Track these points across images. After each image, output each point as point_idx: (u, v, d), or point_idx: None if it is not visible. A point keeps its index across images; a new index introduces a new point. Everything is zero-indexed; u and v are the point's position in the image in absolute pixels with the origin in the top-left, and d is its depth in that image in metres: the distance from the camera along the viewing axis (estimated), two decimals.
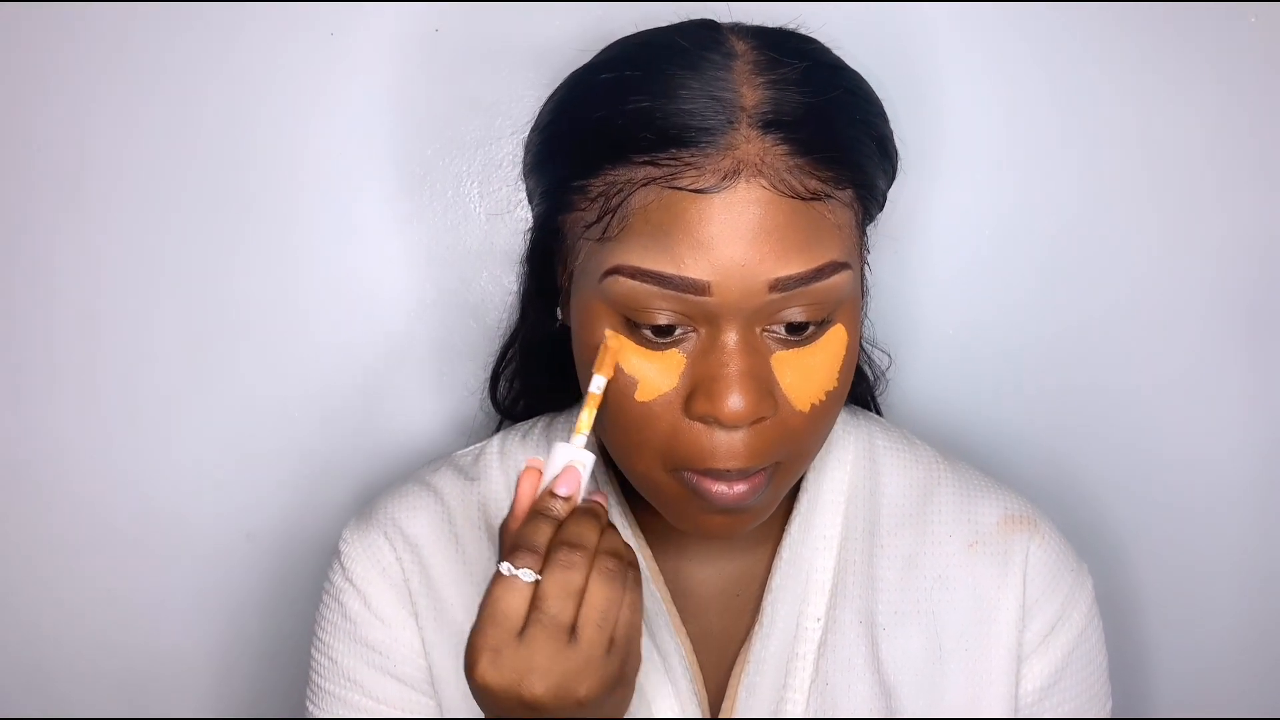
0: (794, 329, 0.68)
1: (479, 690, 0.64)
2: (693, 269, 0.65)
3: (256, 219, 0.97)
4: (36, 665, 1.02)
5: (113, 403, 0.99)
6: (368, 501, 0.84)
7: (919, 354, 0.99)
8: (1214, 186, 0.98)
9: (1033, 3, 0.95)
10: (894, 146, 0.73)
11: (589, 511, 0.68)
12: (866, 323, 0.89)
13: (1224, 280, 0.99)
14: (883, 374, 0.94)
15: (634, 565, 0.67)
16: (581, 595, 0.64)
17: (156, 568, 1.01)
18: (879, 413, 0.94)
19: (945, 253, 0.99)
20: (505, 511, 0.81)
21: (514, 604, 0.64)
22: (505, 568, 0.64)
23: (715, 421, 0.67)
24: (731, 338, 0.66)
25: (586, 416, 0.69)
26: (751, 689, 0.76)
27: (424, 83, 0.95)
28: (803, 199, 0.65)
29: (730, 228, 0.65)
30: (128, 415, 0.99)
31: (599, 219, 0.67)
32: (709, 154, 0.65)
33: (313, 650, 0.82)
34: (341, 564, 0.81)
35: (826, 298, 0.67)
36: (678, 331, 0.67)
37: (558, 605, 0.64)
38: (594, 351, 0.69)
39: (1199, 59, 0.96)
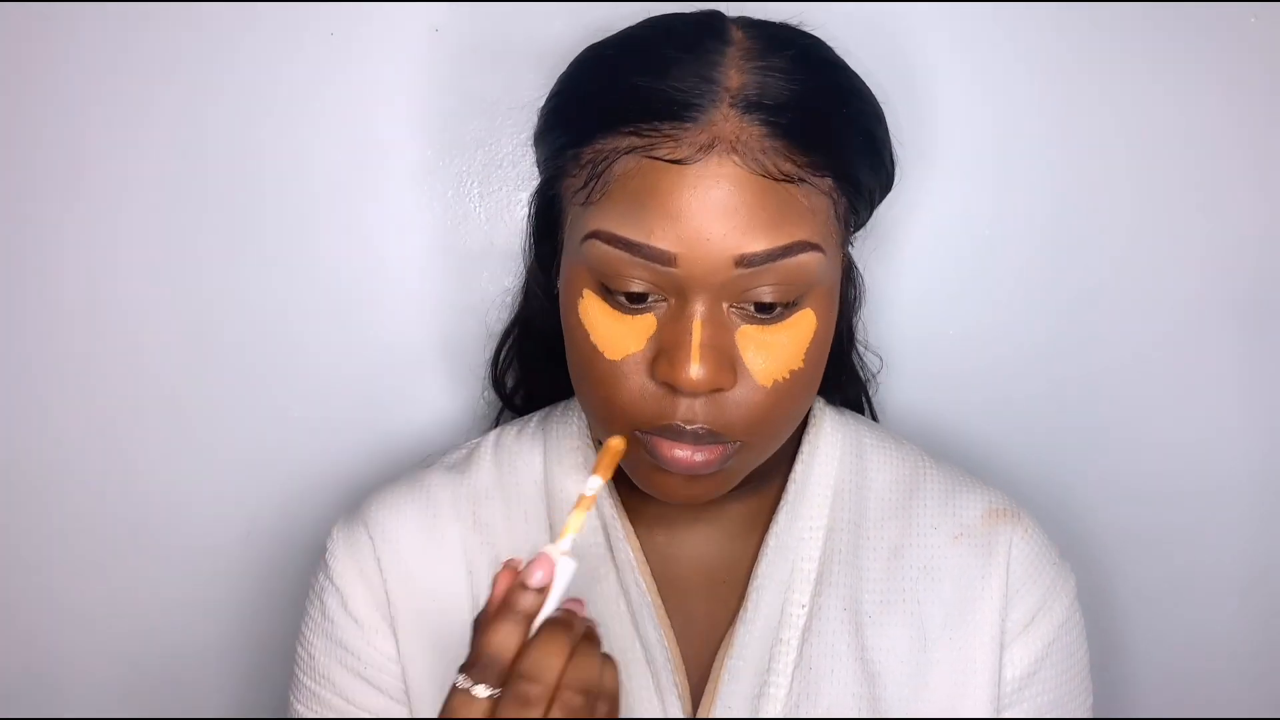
0: (762, 308, 0.69)
1: None
2: (661, 239, 0.67)
3: (256, 219, 0.97)
4: (34, 664, 1.02)
5: (114, 401, 0.99)
6: (358, 500, 0.85)
7: (908, 357, 0.99)
8: (1207, 189, 0.97)
9: (1028, 3, 0.95)
10: (888, 149, 0.75)
11: (562, 624, 0.64)
12: (860, 326, 0.90)
13: (1216, 281, 0.99)
14: (874, 376, 0.96)
15: (607, 695, 0.64)
16: None
17: (157, 566, 1.01)
18: (874, 417, 0.95)
19: (936, 255, 0.99)
20: (495, 503, 0.82)
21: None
22: (461, 680, 0.62)
23: (674, 387, 0.69)
24: (698, 309, 0.68)
25: (575, 519, 0.66)
26: (735, 673, 0.77)
27: (424, 83, 0.96)
28: (775, 179, 0.67)
29: (699, 201, 0.67)
30: (129, 413, 0.99)
31: (585, 184, 0.70)
32: (688, 128, 0.67)
33: (297, 644, 0.83)
34: (326, 561, 0.82)
35: (795, 278, 0.69)
36: (650, 299, 0.70)
37: None
38: (575, 317, 0.71)
39: (1195, 60, 0.96)
